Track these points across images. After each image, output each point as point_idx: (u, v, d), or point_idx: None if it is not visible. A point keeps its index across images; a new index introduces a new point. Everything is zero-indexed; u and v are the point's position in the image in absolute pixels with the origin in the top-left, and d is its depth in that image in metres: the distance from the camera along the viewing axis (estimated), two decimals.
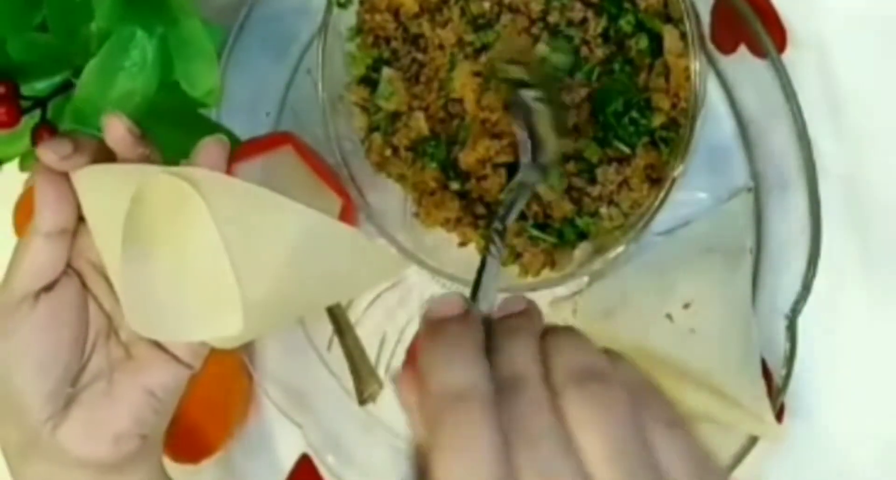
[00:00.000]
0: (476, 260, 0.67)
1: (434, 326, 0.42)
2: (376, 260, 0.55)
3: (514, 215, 0.57)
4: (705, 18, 0.66)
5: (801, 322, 0.65)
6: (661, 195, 0.61)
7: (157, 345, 0.58)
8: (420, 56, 0.67)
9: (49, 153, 0.54)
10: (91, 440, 0.56)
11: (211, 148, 0.54)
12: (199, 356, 0.58)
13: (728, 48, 0.66)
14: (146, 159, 0.55)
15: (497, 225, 0.54)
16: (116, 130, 0.54)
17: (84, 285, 0.57)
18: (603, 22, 0.63)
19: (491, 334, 0.42)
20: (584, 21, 0.63)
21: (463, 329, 0.42)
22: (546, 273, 0.66)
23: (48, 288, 0.57)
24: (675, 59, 0.62)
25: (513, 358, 0.41)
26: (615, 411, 0.39)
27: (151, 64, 0.58)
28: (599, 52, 0.63)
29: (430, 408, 0.39)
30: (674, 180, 0.60)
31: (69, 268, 0.57)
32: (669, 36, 0.62)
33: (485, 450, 0.38)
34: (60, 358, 0.56)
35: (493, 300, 0.46)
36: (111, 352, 0.58)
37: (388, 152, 0.68)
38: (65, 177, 0.55)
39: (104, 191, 0.55)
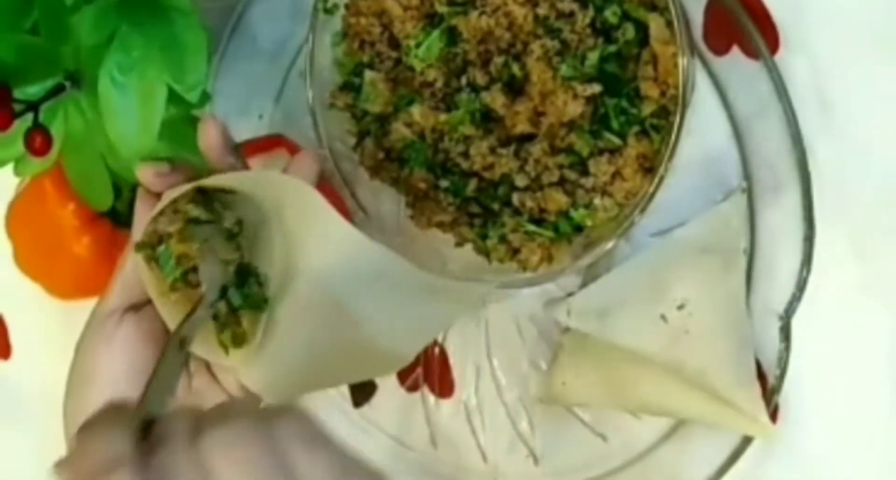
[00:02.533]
0: (474, 260, 0.67)
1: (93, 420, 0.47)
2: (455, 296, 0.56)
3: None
4: (698, 19, 0.66)
5: (795, 322, 0.65)
6: (655, 184, 0.61)
7: (215, 380, 0.58)
8: (404, 58, 0.67)
9: (146, 171, 0.55)
10: None
11: (208, 128, 0.55)
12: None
13: (720, 49, 0.66)
14: (233, 170, 0.56)
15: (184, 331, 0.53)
16: (211, 135, 0.55)
17: None
18: (590, 13, 0.63)
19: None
20: (571, 14, 0.63)
21: (108, 425, 0.45)
22: (544, 267, 0.66)
23: (135, 309, 0.57)
24: (663, 47, 0.62)
25: (162, 425, 0.44)
26: (253, 451, 0.42)
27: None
28: (590, 44, 0.63)
29: None
30: (666, 169, 0.61)
31: None
32: (655, 24, 0.62)
33: None
34: (137, 380, 0.56)
35: (164, 405, 0.49)
36: (179, 385, 0.58)
37: (381, 156, 0.68)
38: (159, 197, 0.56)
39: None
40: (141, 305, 0.57)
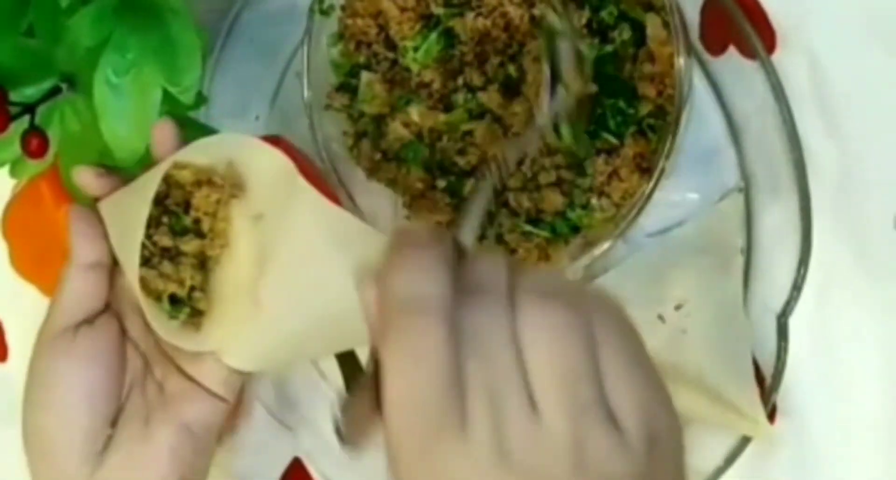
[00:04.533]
0: None
1: (406, 238, 0.41)
2: None
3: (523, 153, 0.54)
4: (694, 19, 0.66)
5: (793, 322, 0.65)
6: (652, 183, 0.61)
7: (190, 379, 0.57)
8: (401, 59, 0.67)
9: (86, 175, 0.56)
10: None
11: (159, 133, 0.56)
12: (232, 388, 0.57)
13: (717, 49, 0.66)
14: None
15: (501, 156, 0.51)
16: (165, 133, 0.56)
17: (121, 326, 0.58)
18: (586, 14, 0.63)
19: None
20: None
21: (432, 242, 0.41)
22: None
23: (88, 322, 0.57)
24: (659, 47, 0.62)
25: (479, 270, 0.40)
26: (570, 337, 0.38)
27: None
28: (587, 45, 0.63)
29: (387, 310, 0.39)
30: (663, 168, 0.61)
31: (109, 309, 0.58)
32: (652, 24, 0.62)
33: (434, 357, 0.37)
34: (99, 394, 0.56)
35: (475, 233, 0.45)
36: (147, 392, 0.57)
37: (378, 156, 0.68)
38: (94, 212, 0.57)
39: (126, 206, 0.56)
40: (93, 318, 0.57)
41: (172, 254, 0.57)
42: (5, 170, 0.64)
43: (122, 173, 0.57)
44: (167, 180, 0.56)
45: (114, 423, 0.56)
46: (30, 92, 0.60)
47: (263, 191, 0.56)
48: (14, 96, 0.58)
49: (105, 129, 0.58)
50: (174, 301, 0.57)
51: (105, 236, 0.57)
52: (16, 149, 0.59)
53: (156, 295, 0.57)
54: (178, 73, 0.58)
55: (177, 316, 0.57)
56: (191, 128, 0.63)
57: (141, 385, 0.57)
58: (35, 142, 0.58)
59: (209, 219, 0.57)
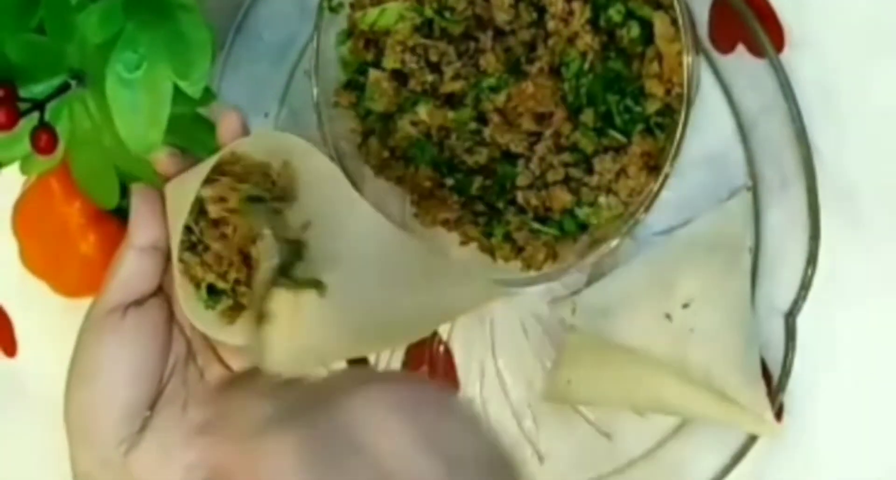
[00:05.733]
0: (479, 258, 0.67)
1: None
2: (455, 285, 0.57)
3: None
4: (703, 17, 0.66)
5: (800, 321, 0.65)
6: (659, 182, 0.61)
7: (229, 370, 0.58)
8: (408, 57, 0.67)
9: (160, 155, 0.57)
10: (162, 468, 0.56)
11: (226, 122, 0.57)
12: None
13: (726, 48, 0.66)
14: None
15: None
16: (232, 124, 0.57)
17: (171, 310, 0.58)
18: (587, 12, 0.63)
19: None
20: (570, 13, 0.63)
21: None
22: (549, 266, 0.66)
23: (138, 304, 0.57)
24: (667, 45, 0.62)
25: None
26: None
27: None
28: (590, 43, 0.63)
29: None
30: (671, 166, 0.60)
31: (160, 291, 0.58)
32: (660, 22, 0.62)
33: None
34: (142, 375, 0.56)
35: None
36: (188, 378, 0.58)
37: (386, 154, 0.68)
38: (158, 194, 0.57)
39: (181, 189, 0.57)
40: (143, 300, 0.57)
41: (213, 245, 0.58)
42: (15, 166, 0.64)
43: (194, 154, 0.58)
44: (222, 170, 0.56)
45: (152, 406, 0.57)
46: (39, 88, 0.60)
47: (313, 197, 0.56)
48: (23, 93, 0.59)
49: (119, 124, 0.58)
50: (213, 291, 0.58)
51: (164, 220, 0.57)
52: (25, 145, 0.59)
53: (195, 282, 0.57)
54: (187, 68, 0.58)
55: (213, 306, 0.57)
56: (200, 126, 0.64)
57: (183, 369, 0.58)
58: (45, 138, 0.59)
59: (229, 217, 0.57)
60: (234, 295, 0.58)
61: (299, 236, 0.57)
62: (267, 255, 0.56)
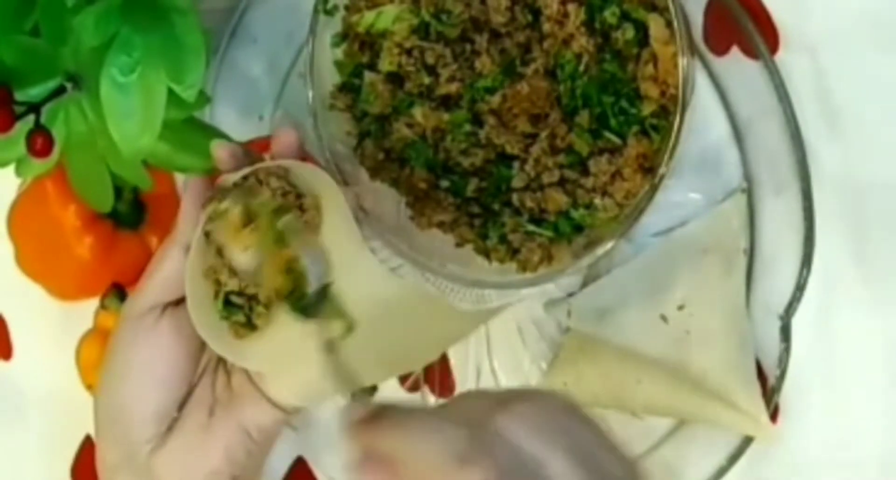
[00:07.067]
0: (473, 261, 0.67)
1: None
2: (452, 320, 0.57)
3: None
4: (698, 20, 0.66)
5: (795, 322, 0.65)
6: (655, 183, 0.61)
7: (254, 384, 0.57)
8: (404, 60, 0.67)
9: (222, 149, 0.56)
10: (184, 473, 0.56)
11: (283, 137, 0.57)
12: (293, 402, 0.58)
13: (721, 49, 0.66)
14: None
15: None
16: (289, 139, 0.57)
17: None
18: (582, 14, 0.63)
19: None
20: (566, 15, 0.64)
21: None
22: (544, 268, 0.66)
23: (175, 304, 0.57)
24: (662, 47, 0.62)
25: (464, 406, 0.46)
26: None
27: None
28: (585, 45, 0.63)
29: None
30: (666, 167, 0.61)
31: None
32: (655, 24, 0.62)
33: None
34: (175, 376, 0.57)
35: None
36: (217, 383, 0.58)
37: (381, 156, 0.68)
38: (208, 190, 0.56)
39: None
40: (180, 301, 0.57)
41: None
42: (11, 169, 0.64)
43: (253, 158, 0.58)
44: (260, 180, 0.56)
45: (181, 406, 0.57)
46: (35, 91, 0.60)
47: (327, 238, 0.56)
48: (19, 96, 0.58)
49: (112, 128, 0.58)
50: (229, 303, 0.57)
51: None
52: (21, 148, 0.59)
53: (216, 288, 0.57)
54: (182, 71, 0.58)
55: (228, 317, 0.57)
56: (194, 129, 0.64)
57: (213, 372, 0.58)
58: (40, 141, 0.59)
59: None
60: (249, 312, 0.57)
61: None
62: (301, 280, 0.56)
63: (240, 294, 0.57)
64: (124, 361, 0.57)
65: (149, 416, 0.56)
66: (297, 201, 0.57)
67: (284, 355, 0.56)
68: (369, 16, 0.67)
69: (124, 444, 0.57)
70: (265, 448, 0.59)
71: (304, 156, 0.59)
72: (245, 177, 0.56)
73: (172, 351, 0.57)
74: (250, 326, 0.57)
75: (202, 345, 0.57)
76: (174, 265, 0.57)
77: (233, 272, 0.56)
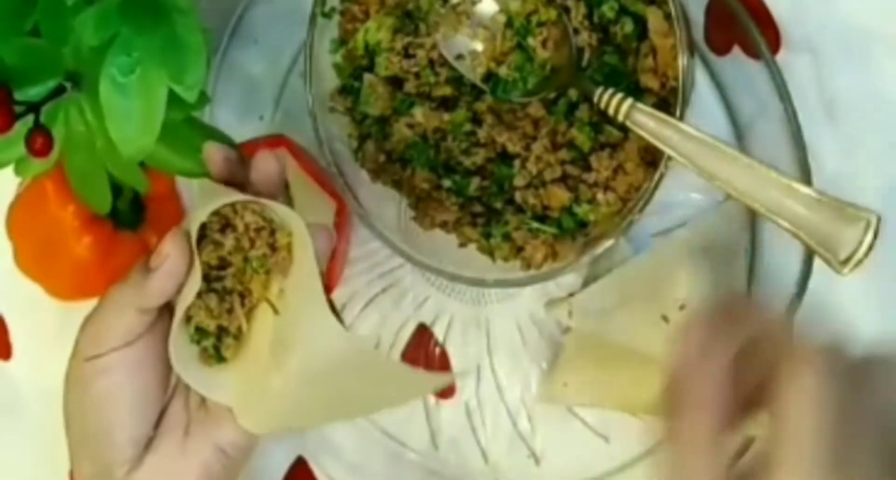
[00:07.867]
0: (476, 259, 0.67)
1: None
2: (406, 381, 0.57)
3: None
4: (699, 19, 0.66)
5: (796, 323, 0.65)
6: (657, 176, 0.61)
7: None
8: (402, 62, 0.67)
9: (217, 153, 0.56)
10: None
11: (262, 165, 0.56)
12: None
13: (722, 49, 0.66)
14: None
15: None
16: (269, 167, 0.56)
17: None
18: (582, 8, 0.63)
19: None
20: (567, 10, 0.64)
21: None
22: (548, 265, 0.66)
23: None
24: (661, 40, 0.62)
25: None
26: None
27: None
28: (587, 39, 0.63)
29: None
30: (668, 160, 0.60)
31: (165, 310, 0.57)
32: (653, 17, 0.62)
33: None
34: (150, 398, 0.57)
35: None
36: (190, 401, 0.58)
37: (382, 158, 0.68)
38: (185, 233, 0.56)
39: (202, 204, 0.56)
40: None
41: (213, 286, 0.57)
42: (10, 169, 0.64)
43: (247, 159, 0.57)
44: (235, 211, 0.56)
45: (156, 425, 0.57)
46: (34, 91, 0.59)
47: (293, 285, 0.56)
48: (19, 95, 0.58)
49: (112, 129, 0.58)
50: (200, 329, 0.57)
51: (190, 253, 0.56)
52: (20, 148, 0.59)
53: (189, 313, 0.57)
54: (182, 71, 0.57)
55: (199, 341, 0.57)
56: (194, 129, 0.64)
57: (184, 392, 0.58)
58: (40, 141, 0.58)
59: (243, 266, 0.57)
60: (218, 342, 0.57)
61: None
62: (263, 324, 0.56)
63: (212, 321, 0.57)
64: (103, 388, 0.57)
65: (125, 441, 0.56)
66: (270, 238, 0.56)
67: (249, 389, 0.56)
68: (359, 38, 0.67)
69: (99, 464, 0.57)
70: (242, 462, 0.59)
71: (285, 183, 0.58)
72: (216, 212, 0.55)
73: (149, 370, 0.57)
74: (218, 357, 0.57)
75: (170, 365, 0.57)
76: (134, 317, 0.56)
77: (205, 304, 0.56)
